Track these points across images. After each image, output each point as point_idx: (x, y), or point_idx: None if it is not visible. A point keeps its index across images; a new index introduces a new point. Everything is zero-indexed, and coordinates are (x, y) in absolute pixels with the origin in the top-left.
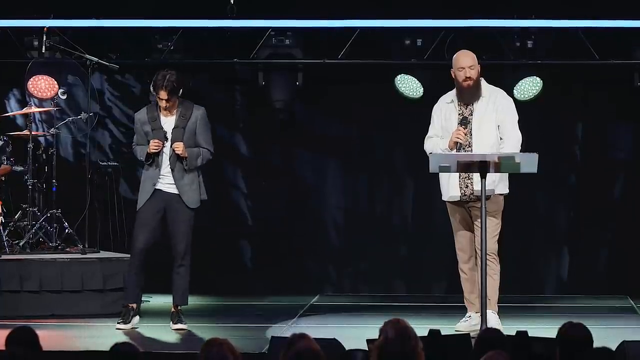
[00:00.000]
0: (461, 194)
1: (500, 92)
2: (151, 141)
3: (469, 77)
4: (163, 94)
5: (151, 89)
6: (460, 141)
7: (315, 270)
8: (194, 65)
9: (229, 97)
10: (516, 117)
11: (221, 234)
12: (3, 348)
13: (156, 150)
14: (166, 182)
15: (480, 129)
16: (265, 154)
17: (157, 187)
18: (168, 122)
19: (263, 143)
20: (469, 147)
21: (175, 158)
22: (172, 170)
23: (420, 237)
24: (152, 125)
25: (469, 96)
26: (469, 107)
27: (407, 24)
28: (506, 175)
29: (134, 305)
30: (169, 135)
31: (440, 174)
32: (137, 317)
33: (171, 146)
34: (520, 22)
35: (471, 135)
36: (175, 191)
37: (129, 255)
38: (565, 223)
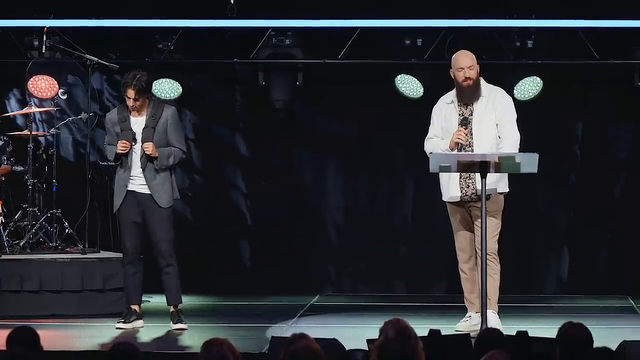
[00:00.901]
0: (462, 194)
1: (499, 91)
2: (119, 142)
3: (469, 78)
4: (131, 93)
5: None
6: (461, 141)
7: (315, 270)
8: (194, 65)
9: (229, 97)
10: (515, 116)
11: (221, 234)
12: (3, 348)
13: (123, 151)
14: (138, 183)
15: (480, 129)
16: (265, 154)
17: (129, 189)
18: (138, 122)
19: (263, 143)
20: (470, 147)
21: (146, 158)
22: (143, 170)
23: (420, 237)
24: (121, 126)
25: (468, 96)
26: (469, 107)
27: (407, 24)
28: (506, 173)
29: (136, 308)
30: (139, 137)
31: (440, 174)
32: (141, 321)
33: (142, 146)
34: (520, 22)
35: (471, 135)
36: (147, 191)
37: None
38: (565, 223)
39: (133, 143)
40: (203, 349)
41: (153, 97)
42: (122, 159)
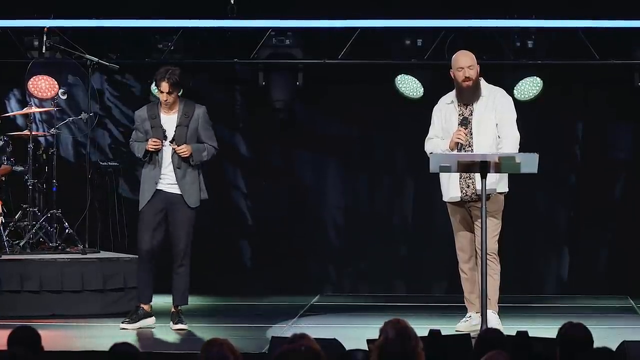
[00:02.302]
0: (462, 194)
1: (499, 91)
2: (150, 139)
3: (468, 77)
4: (165, 87)
5: (153, 83)
6: (461, 141)
7: (316, 270)
8: (194, 65)
9: (229, 97)
10: (514, 116)
11: (221, 234)
12: (3, 348)
13: (155, 149)
14: (167, 182)
15: (480, 129)
16: (266, 154)
17: (158, 187)
18: (168, 120)
19: (263, 143)
20: (470, 147)
21: (179, 158)
22: (176, 168)
23: (420, 237)
24: (151, 123)
25: (468, 96)
26: (468, 107)
27: (407, 24)
28: (506, 173)
29: (146, 307)
30: (169, 134)
31: (440, 174)
32: (153, 319)
33: (172, 147)
34: (520, 22)
35: (471, 135)
36: (176, 191)
37: (129, 256)
38: (565, 223)
39: (164, 140)
40: (203, 348)
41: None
42: (152, 156)
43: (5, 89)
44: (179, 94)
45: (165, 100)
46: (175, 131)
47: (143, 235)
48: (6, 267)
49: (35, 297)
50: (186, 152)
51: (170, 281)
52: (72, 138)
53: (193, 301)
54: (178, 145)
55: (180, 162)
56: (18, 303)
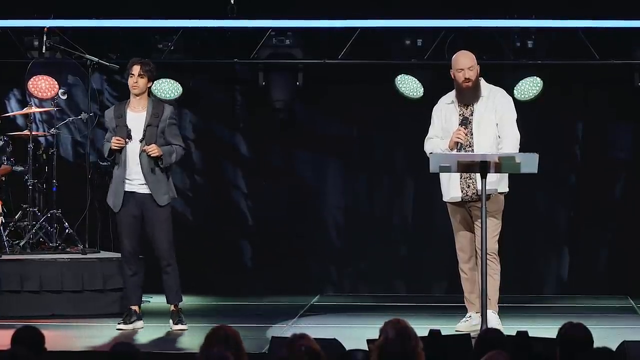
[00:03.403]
0: (463, 194)
1: (499, 91)
2: (113, 137)
3: (468, 79)
4: (135, 69)
5: (152, 83)
6: (461, 141)
7: (316, 271)
8: (194, 65)
9: (229, 97)
10: (515, 116)
11: (221, 234)
12: (3, 348)
13: (117, 147)
14: (137, 183)
15: (480, 129)
16: (266, 154)
17: (127, 190)
18: (135, 118)
19: (263, 143)
20: (470, 147)
21: (148, 158)
22: (143, 169)
23: (420, 237)
24: (116, 122)
25: (468, 97)
26: (469, 107)
27: (407, 24)
28: (506, 173)
29: (136, 308)
30: (134, 134)
31: (440, 174)
32: (141, 322)
33: (143, 148)
34: (520, 22)
35: (471, 135)
36: (146, 191)
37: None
38: (565, 223)
39: (127, 140)
40: (207, 340)
41: (152, 96)
42: (116, 156)
43: (5, 89)
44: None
45: (135, 83)
46: (145, 131)
47: (125, 238)
48: (6, 267)
49: (35, 297)
50: (155, 152)
51: (161, 281)
52: (71, 138)
53: (193, 301)
54: (148, 145)
55: (150, 162)
56: (18, 303)
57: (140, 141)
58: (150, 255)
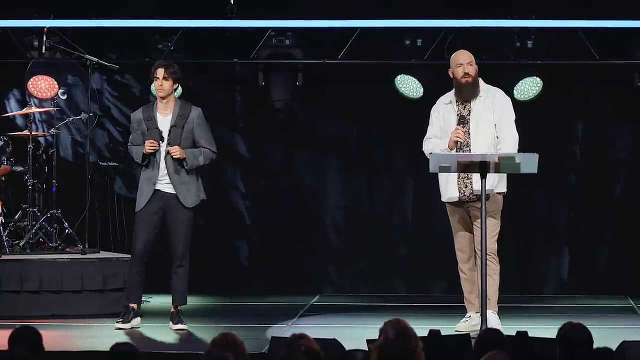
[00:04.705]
0: (460, 194)
1: (498, 91)
2: (146, 141)
3: (467, 74)
4: (160, 72)
5: (152, 83)
6: (460, 140)
7: (316, 271)
8: (194, 65)
9: (229, 97)
10: (513, 116)
11: (221, 234)
12: (3, 348)
13: (152, 151)
14: (165, 182)
15: (478, 129)
16: (265, 154)
17: (156, 188)
18: (164, 121)
19: (263, 143)
20: (467, 146)
21: (172, 159)
22: (169, 171)
23: (420, 237)
24: (147, 125)
25: (467, 93)
26: (467, 107)
27: (407, 24)
28: (505, 174)
29: (135, 306)
30: (165, 135)
31: (439, 174)
32: (139, 319)
33: (167, 149)
34: (520, 22)
35: (469, 134)
36: (172, 191)
37: (129, 256)
38: (565, 223)
39: (160, 142)
40: (213, 342)
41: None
42: (150, 159)
43: (5, 89)
44: (175, 89)
45: (160, 86)
46: (169, 132)
47: (139, 236)
48: (6, 267)
49: (35, 297)
50: (177, 154)
51: (169, 281)
52: (71, 138)
53: (193, 301)
54: (171, 146)
55: (174, 164)
56: (18, 303)
57: (161, 140)
58: (155, 256)
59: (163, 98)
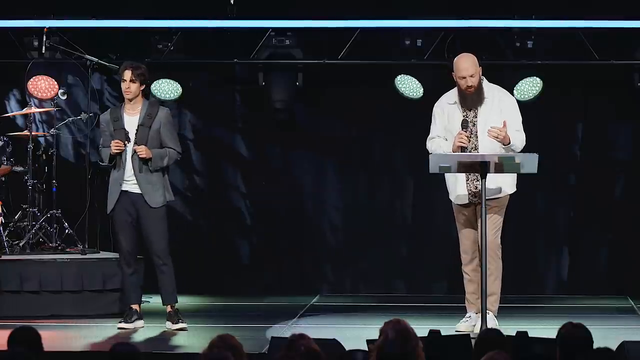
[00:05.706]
0: (470, 195)
1: (503, 92)
2: (112, 142)
3: (470, 86)
4: (127, 74)
5: (152, 84)
6: (464, 145)
7: (315, 271)
8: (194, 65)
9: (229, 97)
10: (520, 118)
11: (221, 234)
12: (2, 348)
13: (118, 151)
14: (132, 183)
15: (485, 132)
16: (265, 154)
17: (123, 189)
18: (131, 121)
19: (263, 143)
20: (475, 149)
21: (139, 159)
22: (135, 171)
23: (420, 237)
24: (113, 125)
25: (472, 102)
26: (472, 109)
27: (407, 24)
28: (515, 174)
29: (137, 307)
30: (132, 135)
31: (446, 174)
32: (142, 321)
33: (134, 149)
34: (520, 22)
35: (477, 138)
36: (139, 191)
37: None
38: (565, 223)
39: (126, 142)
40: (211, 344)
41: (151, 97)
42: (117, 159)
43: (5, 89)
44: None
45: (127, 88)
46: (137, 131)
47: (120, 239)
48: (6, 267)
49: (35, 298)
50: (144, 154)
51: (156, 281)
52: (71, 138)
53: (193, 301)
54: (138, 145)
55: (138, 165)
56: (18, 303)
57: (128, 141)
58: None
59: (130, 100)
